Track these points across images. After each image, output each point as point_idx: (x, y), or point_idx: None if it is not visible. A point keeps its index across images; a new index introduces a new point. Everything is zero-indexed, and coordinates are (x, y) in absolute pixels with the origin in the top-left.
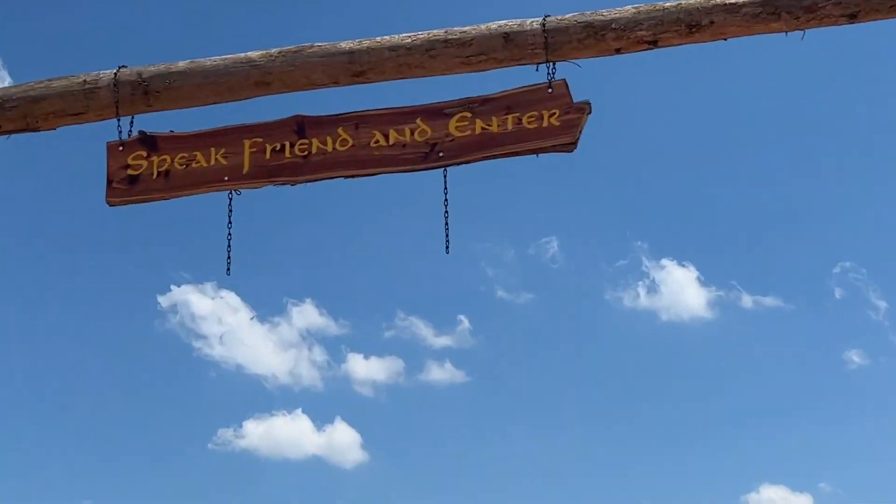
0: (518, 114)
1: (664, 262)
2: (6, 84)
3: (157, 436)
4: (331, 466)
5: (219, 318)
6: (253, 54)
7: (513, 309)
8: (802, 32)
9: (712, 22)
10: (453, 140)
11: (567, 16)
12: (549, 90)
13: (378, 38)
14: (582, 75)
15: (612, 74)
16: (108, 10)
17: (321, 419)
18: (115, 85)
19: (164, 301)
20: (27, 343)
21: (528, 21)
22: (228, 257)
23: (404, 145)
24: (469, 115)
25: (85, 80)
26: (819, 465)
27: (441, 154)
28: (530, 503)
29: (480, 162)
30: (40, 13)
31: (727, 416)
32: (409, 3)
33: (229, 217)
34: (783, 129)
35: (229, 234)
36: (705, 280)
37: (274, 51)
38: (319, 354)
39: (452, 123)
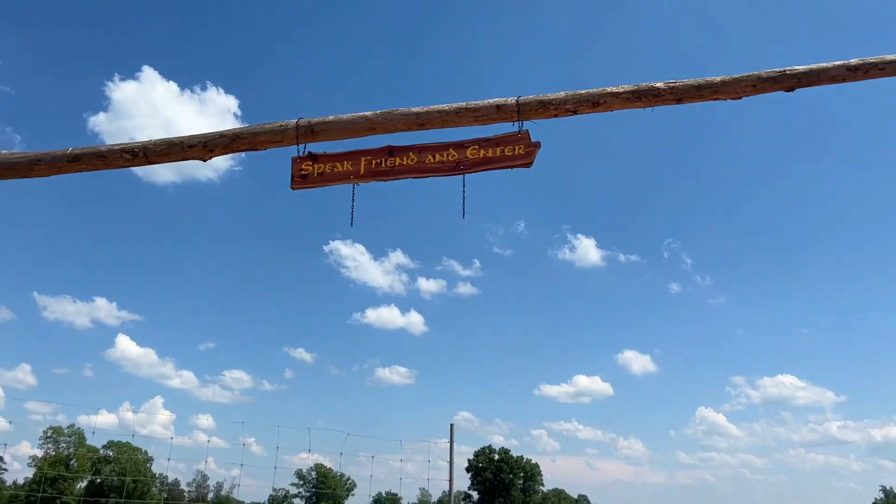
0: (503, 147)
1: (579, 236)
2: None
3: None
4: None
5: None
6: (370, 114)
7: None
8: None
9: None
10: (468, 160)
11: (529, 97)
12: (519, 135)
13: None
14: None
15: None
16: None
17: None
18: (296, 127)
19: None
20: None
21: (510, 99)
22: (352, 212)
23: (443, 162)
24: (477, 147)
25: (281, 126)
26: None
27: (462, 167)
28: None
29: (484, 172)
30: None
31: (605, 321)
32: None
33: (352, 200)
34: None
35: (352, 208)
36: (599, 245)
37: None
38: None
39: (469, 151)
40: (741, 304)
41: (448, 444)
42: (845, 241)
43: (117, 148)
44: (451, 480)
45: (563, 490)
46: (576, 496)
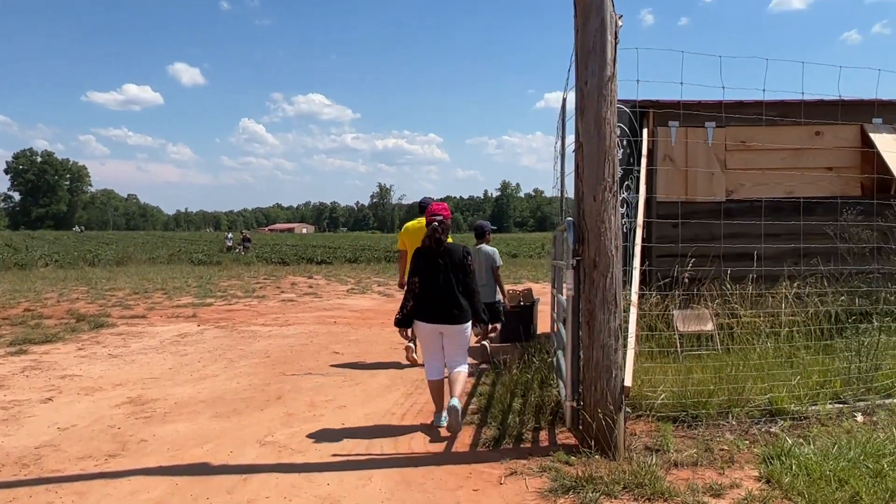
0: None
1: None
2: None
3: None
4: None
5: None
6: None
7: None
8: None
9: None
10: None
11: None
12: None
13: None
14: None
15: None
16: None
17: None
18: None
19: None
20: None
21: None
22: None
23: None
24: None
25: None
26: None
27: None
28: None
29: None
30: None
31: (156, 32)
32: None
33: None
34: None
35: None
36: None
37: None
38: None
39: None
40: (284, 26)
41: None
42: None
43: None
44: None
45: (112, 190)
46: (125, 196)
